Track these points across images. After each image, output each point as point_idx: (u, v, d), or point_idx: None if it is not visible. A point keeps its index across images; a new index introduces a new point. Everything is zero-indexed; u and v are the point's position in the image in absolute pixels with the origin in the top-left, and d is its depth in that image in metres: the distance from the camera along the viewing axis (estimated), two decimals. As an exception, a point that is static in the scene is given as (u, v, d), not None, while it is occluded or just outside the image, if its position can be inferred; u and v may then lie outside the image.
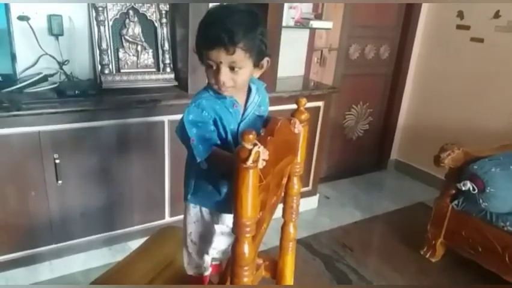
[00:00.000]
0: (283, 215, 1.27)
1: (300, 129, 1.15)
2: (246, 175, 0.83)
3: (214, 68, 0.99)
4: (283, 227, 1.28)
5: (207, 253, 1.19)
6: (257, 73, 1.10)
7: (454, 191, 2.12)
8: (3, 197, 1.64)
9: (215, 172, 1.08)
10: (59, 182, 1.71)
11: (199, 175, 1.09)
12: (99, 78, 1.86)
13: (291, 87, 2.35)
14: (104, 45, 1.84)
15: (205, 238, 1.17)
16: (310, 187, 2.62)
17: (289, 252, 1.30)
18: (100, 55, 1.86)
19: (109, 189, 1.86)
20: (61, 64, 1.82)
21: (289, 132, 1.09)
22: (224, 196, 1.10)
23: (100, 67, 1.87)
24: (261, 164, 0.84)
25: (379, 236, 2.55)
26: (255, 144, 0.84)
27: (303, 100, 1.16)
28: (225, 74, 0.99)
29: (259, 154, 0.84)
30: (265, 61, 1.08)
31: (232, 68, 0.99)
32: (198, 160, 1.01)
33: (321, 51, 2.77)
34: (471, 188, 1.95)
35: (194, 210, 1.14)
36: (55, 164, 1.68)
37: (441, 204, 2.16)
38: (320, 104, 2.45)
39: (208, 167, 1.06)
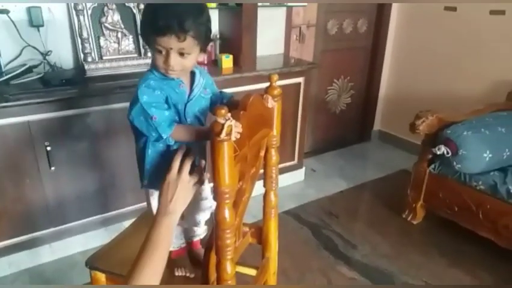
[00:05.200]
0: (264, 185, 1.36)
1: (273, 103, 1.23)
2: (221, 147, 0.92)
3: (164, 53, 1.05)
4: (265, 196, 1.37)
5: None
6: (201, 57, 1.17)
7: (430, 156, 2.23)
8: (0, 186, 1.71)
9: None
10: (52, 168, 1.79)
11: (155, 158, 1.15)
12: (82, 66, 1.92)
13: (271, 65, 2.42)
14: (85, 34, 1.89)
15: None
16: (295, 161, 2.72)
17: (271, 218, 1.39)
18: (82, 44, 1.90)
19: (100, 172, 1.95)
20: (44, 55, 1.87)
21: (262, 107, 1.18)
22: None
23: (82, 56, 1.92)
24: (234, 137, 0.93)
25: (363, 203, 2.67)
26: (227, 119, 0.92)
27: (275, 76, 1.25)
28: (174, 59, 1.05)
29: (231, 127, 0.92)
30: (209, 46, 1.15)
31: (181, 54, 1.05)
32: (164, 137, 1.07)
33: (300, 28, 2.83)
34: (445, 152, 2.05)
35: (156, 193, 1.18)
36: (47, 151, 1.76)
37: (419, 169, 2.28)
38: (301, 80, 2.52)
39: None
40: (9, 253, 1.83)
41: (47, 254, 1.92)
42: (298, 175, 2.79)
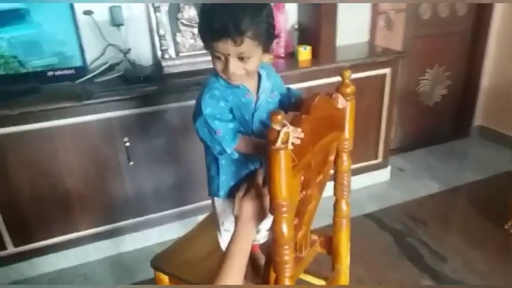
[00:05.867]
0: (335, 193, 1.24)
1: (344, 103, 1.10)
2: (277, 156, 0.83)
3: (222, 59, 0.96)
4: (335, 204, 1.26)
5: None
6: (266, 58, 1.06)
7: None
8: (84, 178, 1.83)
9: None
10: (131, 163, 1.86)
11: (229, 167, 1.09)
12: (160, 63, 1.95)
13: (353, 55, 2.24)
14: (162, 31, 1.91)
15: None
16: (380, 159, 2.52)
17: (343, 229, 1.27)
18: (160, 41, 1.93)
19: (177, 167, 1.98)
20: (125, 53, 1.94)
21: (330, 108, 1.06)
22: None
23: (160, 53, 1.95)
24: (291, 145, 0.83)
25: (457, 209, 2.38)
26: (283, 125, 0.83)
27: (347, 72, 1.11)
28: (234, 65, 0.96)
29: (289, 134, 0.83)
30: (274, 44, 1.04)
31: (241, 58, 0.95)
32: (228, 151, 1.01)
33: (387, 13, 2.59)
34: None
35: (223, 201, 1.14)
36: (126, 147, 1.83)
37: (528, 173, 1.95)
38: (387, 71, 2.31)
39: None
40: (94, 241, 1.96)
41: (128, 243, 2.02)
42: (383, 175, 2.58)
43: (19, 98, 1.69)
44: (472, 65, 2.96)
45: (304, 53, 2.17)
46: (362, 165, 2.45)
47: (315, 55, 2.17)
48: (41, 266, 1.90)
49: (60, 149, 1.75)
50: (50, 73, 1.78)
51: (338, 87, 1.12)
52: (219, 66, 0.99)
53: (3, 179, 1.72)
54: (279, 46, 2.25)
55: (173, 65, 1.96)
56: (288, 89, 1.21)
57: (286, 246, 0.93)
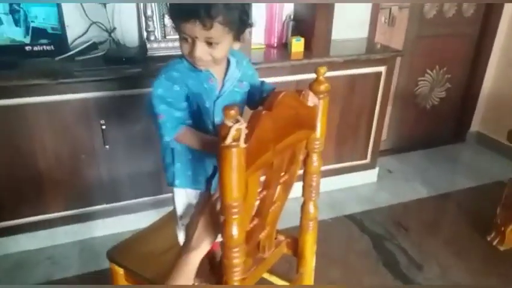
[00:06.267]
0: (303, 193, 1.19)
1: (315, 101, 1.04)
2: (227, 154, 0.77)
3: (190, 41, 0.91)
4: (303, 206, 1.20)
5: None
6: (237, 46, 1.00)
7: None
8: (58, 159, 1.77)
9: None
10: (106, 146, 1.80)
11: (184, 153, 1.04)
12: (145, 45, 1.88)
13: (348, 50, 2.16)
14: (149, 12, 1.84)
15: None
16: (368, 159, 2.45)
17: (309, 231, 1.22)
18: (146, 22, 1.87)
19: (155, 154, 1.90)
20: (109, 32, 1.87)
21: (298, 106, 0.99)
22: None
23: (145, 34, 1.88)
24: (243, 143, 0.77)
25: (443, 216, 2.31)
26: (236, 121, 0.77)
27: (322, 69, 1.05)
28: (200, 50, 0.91)
29: (241, 132, 0.77)
30: (247, 32, 0.98)
31: (209, 43, 0.90)
32: (166, 139, 0.96)
33: (390, 9, 2.50)
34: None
35: (181, 192, 1.09)
36: (102, 129, 1.77)
37: (517, 185, 1.88)
38: (382, 69, 2.23)
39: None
40: (65, 224, 1.91)
41: (100, 228, 1.98)
42: (370, 176, 2.51)
43: (-5, 71, 1.64)
44: (475, 69, 2.87)
45: (297, 44, 2.09)
46: (348, 165, 2.39)
47: (308, 47, 2.09)
48: (8, 246, 1.85)
49: (35, 127, 1.70)
50: (28, 48, 1.72)
51: (311, 84, 1.06)
52: (185, 48, 0.94)
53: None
54: (273, 36, 2.18)
55: (158, 47, 1.89)
56: (262, 82, 1.15)
57: (236, 249, 0.88)
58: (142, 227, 1.94)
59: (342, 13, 2.18)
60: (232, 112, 0.76)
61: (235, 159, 0.78)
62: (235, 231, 0.85)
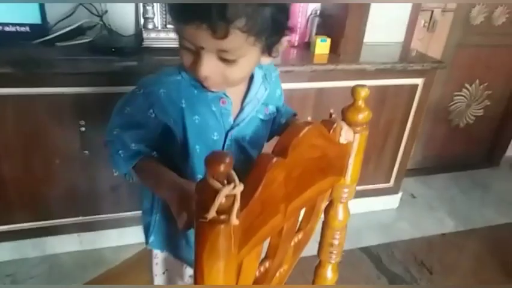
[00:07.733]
0: (319, 253, 0.88)
1: (349, 137, 0.73)
2: (210, 235, 0.47)
3: (193, 49, 0.60)
4: (317, 269, 0.90)
5: None
6: (266, 61, 0.68)
7: None
8: (27, 163, 1.49)
9: None
10: (86, 152, 1.52)
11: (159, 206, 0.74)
12: (141, 34, 1.58)
13: (381, 57, 1.82)
14: (148, -5, 1.54)
15: None
16: (391, 183, 2.13)
17: (322, 303, 0.92)
18: (144, 6, 1.56)
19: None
20: (100, 15, 1.57)
21: (325, 145, 0.68)
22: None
23: (143, 21, 1.58)
24: (235, 219, 0.47)
25: (472, 257, 1.98)
26: (228, 182, 0.46)
27: (363, 90, 0.73)
28: (208, 66, 0.60)
29: (234, 199, 0.47)
30: (284, 42, 0.65)
31: (223, 59, 0.59)
32: (115, 173, 0.67)
33: (432, 12, 2.15)
34: None
35: (160, 256, 0.79)
36: (80, 131, 1.48)
37: None
38: (419, 81, 1.90)
39: None
40: (34, 236, 1.64)
41: (74, 243, 1.70)
42: (392, 201, 2.20)
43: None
44: (520, 87, 2.52)
45: (322, 45, 1.77)
46: (368, 188, 2.07)
47: (334, 50, 1.77)
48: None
49: (-1, 124, 1.42)
50: (-1, 28, 1.44)
51: (345, 111, 0.75)
52: (187, 60, 0.63)
53: None
54: (294, 32, 1.86)
55: (156, 37, 1.58)
56: (282, 104, 0.83)
57: None
58: (124, 244, 1.71)
59: (377, 12, 1.86)
60: (222, 167, 0.46)
61: (221, 241, 0.48)
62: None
